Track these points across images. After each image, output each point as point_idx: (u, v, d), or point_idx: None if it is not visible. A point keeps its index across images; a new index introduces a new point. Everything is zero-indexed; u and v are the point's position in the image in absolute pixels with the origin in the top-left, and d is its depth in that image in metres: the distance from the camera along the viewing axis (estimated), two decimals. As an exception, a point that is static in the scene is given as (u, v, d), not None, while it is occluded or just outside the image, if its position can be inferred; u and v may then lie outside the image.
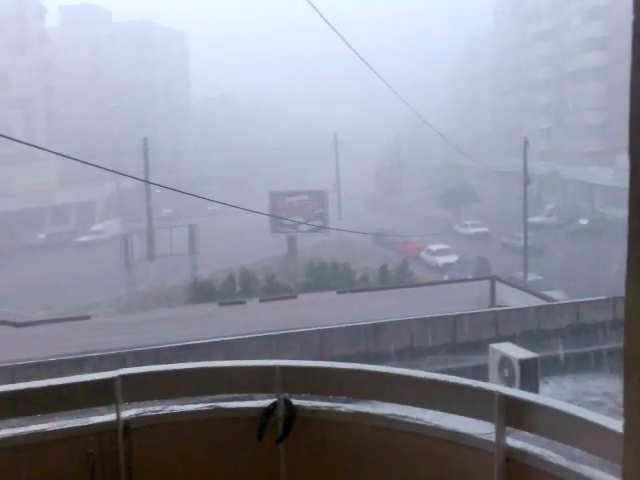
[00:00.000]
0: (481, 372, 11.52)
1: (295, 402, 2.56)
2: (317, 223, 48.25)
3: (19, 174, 59.33)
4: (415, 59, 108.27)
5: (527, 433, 2.17)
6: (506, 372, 10.70)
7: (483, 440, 2.20)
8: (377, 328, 15.22)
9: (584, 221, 56.01)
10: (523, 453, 2.14)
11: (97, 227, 65.03)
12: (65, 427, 2.60)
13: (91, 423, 2.63)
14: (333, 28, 14.68)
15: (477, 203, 64.12)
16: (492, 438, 2.17)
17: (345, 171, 66.09)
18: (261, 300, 18.91)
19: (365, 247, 51.28)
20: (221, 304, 18.61)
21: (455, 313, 16.03)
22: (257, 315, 17.68)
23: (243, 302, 18.99)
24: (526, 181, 35.20)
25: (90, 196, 66.60)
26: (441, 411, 2.35)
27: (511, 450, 2.15)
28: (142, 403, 2.75)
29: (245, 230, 51.94)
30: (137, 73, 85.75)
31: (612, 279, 36.37)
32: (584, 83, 67.45)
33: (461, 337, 15.51)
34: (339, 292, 19.48)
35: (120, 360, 13.60)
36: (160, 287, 41.99)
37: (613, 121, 64.37)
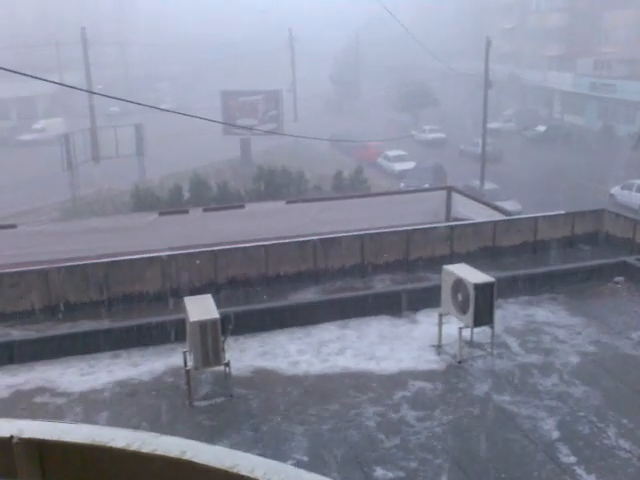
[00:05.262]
0: (435, 294, 10.78)
1: None
2: (271, 125, 46.41)
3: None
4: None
5: None
6: (460, 297, 9.93)
7: None
8: (326, 243, 14.30)
9: (542, 128, 55.34)
10: None
11: (39, 125, 61.57)
12: None
13: None
14: None
15: (436, 107, 62.57)
16: None
17: (301, 70, 63.24)
18: (205, 209, 17.69)
19: (323, 152, 49.77)
20: (161, 213, 17.35)
21: (409, 228, 15.17)
22: (200, 226, 16.56)
23: (185, 211, 17.76)
24: (487, 84, 33.62)
25: (30, 91, 61.72)
26: None
27: None
28: None
29: (197, 129, 49.48)
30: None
31: (568, 190, 36.24)
32: (549, -17, 64.36)
33: (414, 253, 14.76)
34: (288, 202, 18.34)
35: (42, 276, 12.41)
36: (107, 192, 40.15)
37: (576, 24, 62.37)
